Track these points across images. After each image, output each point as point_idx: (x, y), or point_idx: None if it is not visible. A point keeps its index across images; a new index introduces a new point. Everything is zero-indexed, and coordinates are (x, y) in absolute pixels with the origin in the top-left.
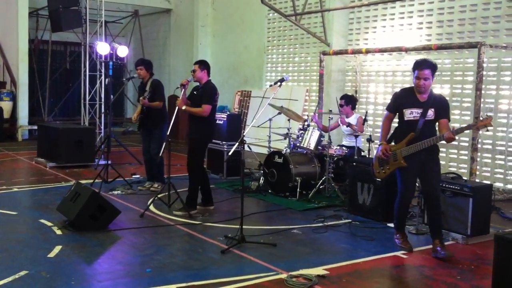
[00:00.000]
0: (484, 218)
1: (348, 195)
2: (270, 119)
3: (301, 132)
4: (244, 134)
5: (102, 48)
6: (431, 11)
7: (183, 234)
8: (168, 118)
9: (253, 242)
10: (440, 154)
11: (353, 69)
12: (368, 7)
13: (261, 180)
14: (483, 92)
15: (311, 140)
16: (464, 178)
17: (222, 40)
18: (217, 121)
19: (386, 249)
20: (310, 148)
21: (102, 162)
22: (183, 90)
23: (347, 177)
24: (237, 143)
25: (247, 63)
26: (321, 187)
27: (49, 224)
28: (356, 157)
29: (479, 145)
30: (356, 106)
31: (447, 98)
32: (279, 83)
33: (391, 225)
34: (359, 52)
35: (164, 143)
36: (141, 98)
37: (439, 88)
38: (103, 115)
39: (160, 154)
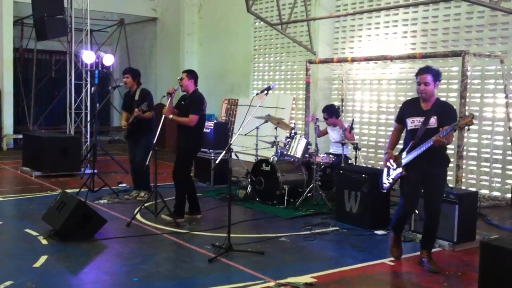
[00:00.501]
0: (470, 225)
1: (335, 202)
2: (257, 127)
3: (288, 140)
4: (231, 142)
5: (88, 56)
6: (415, 20)
7: (170, 243)
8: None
9: (240, 250)
10: None
11: (339, 77)
12: (353, 16)
13: (248, 188)
14: (467, 100)
15: (298, 148)
16: (450, 185)
17: (209, 48)
18: (204, 130)
19: (373, 256)
20: (297, 156)
21: (88, 171)
22: (169, 98)
23: (334, 185)
24: (224, 151)
25: (234, 71)
26: (308, 195)
27: (35, 233)
28: (343, 165)
29: (464, 153)
30: (340, 113)
31: None
32: (265, 92)
33: (378, 232)
34: (344, 60)
35: (151, 152)
36: (136, 109)
37: None
38: (89, 124)
39: (147, 163)
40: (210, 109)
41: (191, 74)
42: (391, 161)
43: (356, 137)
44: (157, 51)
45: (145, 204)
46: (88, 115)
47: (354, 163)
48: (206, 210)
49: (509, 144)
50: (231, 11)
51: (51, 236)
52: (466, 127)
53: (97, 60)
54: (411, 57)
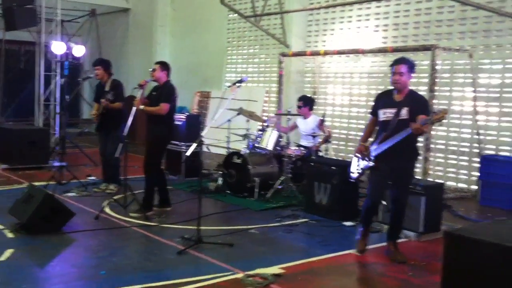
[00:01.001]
0: (436, 216)
1: (305, 194)
2: (229, 120)
3: (259, 132)
4: (203, 134)
5: (58, 47)
6: (387, 14)
7: (139, 236)
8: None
9: (210, 242)
10: None
11: (311, 70)
12: (326, 10)
13: (219, 181)
14: (436, 93)
15: (269, 140)
16: (418, 177)
17: (181, 40)
18: (176, 122)
19: (341, 247)
20: (268, 148)
21: (56, 163)
22: (141, 90)
23: (305, 177)
24: (195, 144)
25: (207, 63)
26: (279, 187)
27: (1, 227)
28: (313, 157)
29: (432, 145)
30: (314, 107)
31: None
32: (237, 84)
33: (347, 223)
34: (317, 53)
35: (120, 144)
36: (102, 100)
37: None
38: (58, 116)
39: (116, 155)
40: (182, 101)
41: (164, 66)
42: (362, 151)
43: (328, 130)
44: (129, 43)
45: (114, 197)
46: (57, 107)
47: (324, 155)
48: (177, 202)
49: (476, 137)
50: (204, 3)
51: (18, 230)
52: (439, 122)
53: (67, 51)
54: (382, 51)
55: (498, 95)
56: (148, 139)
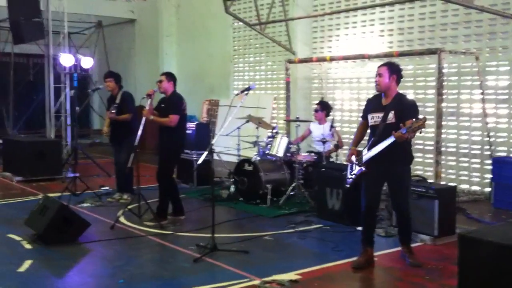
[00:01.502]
0: (449, 219)
1: (317, 200)
2: (238, 128)
3: (269, 139)
4: (213, 143)
5: (66, 59)
6: (392, 19)
7: (154, 245)
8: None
9: (225, 250)
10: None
11: (318, 76)
12: (330, 16)
13: (231, 188)
14: (444, 96)
15: (279, 147)
16: (430, 180)
17: (187, 50)
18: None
19: (355, 252)
20: (278, 155)
21: (69, 174)
22: (149, 100)
23: (316, 183)
24: (206, 152)
25: (213, 72)
26: (291, 193)
27: (18, 238)
28: (324, 163)
29: (443, 148)
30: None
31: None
32: (245, 92)
33: (360, 228)
34: (323, 60)
35: (132, 154)
36: (107, 112)
37: None
38: (69, 127)
39: (128, 165)
40: (190, 110)
41: (170, 76)
42: (353, 157)
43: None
44: (135, 53)
45: (129, 207)
46: (68, 118)
47: (335, 161)
48: (190, 211)
49: (487, 139)
50: (209, 12)
51: (35, 241)
52: (419, 131)
53: (75, 63)
54: (388, 55)
55: (506, 96)
56: (160, 149)
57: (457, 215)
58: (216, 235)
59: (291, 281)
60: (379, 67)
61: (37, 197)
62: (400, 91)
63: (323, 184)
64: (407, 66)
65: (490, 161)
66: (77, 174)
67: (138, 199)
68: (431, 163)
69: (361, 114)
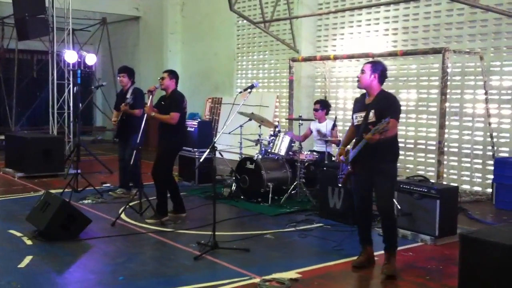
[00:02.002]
0: (451, 219)
1: (319, 199)
2: (241, 126)
3: (272, 138)
4: (215, 140)
5: (70, 56)
6: (396, 18)
7: (155, 242)
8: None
9: (226, 248)
10: (408, 158)
11: (322, 75)
12: (335, 14)
13: (233, 187)
14: (448, 96)
15: (282, 146)
16: (432, 181)
17: (192, 47)
18: (188, 128)
19: (356, 251)
20: (281, 153)
21: (71, 171)
22: (150, 96)
23: (318, 182)
24: (208, 150)
25: (217, 70)
26: (292, 192)
27: (19, 234)
28: (326, 162)
29: (445, 149)
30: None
31: (413, 103)
32: (248, 90)
33: None
34: (327, 58)
35: (135, 151)
36: (123, 104)
37: (405, 93)
38: (71, 124)
39: (131, 162)
40: (194, 108)
41: (172, 74)
42: (342, 157)
43: (339, 134)
44: (140, 50)
45: (130, 204)
46: (71, 115)
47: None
48: (191, 208)
49: (489, 139)
50: (214, 10)
51: (36, 237)
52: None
53: (79, 60)
54: (393, 54)
55: (510, 97)
56: (160, 146)
57: (459, 215)
58: (217, 233)
59: (291, 279)
60: (364, 64)
61: (39, 194)
62: (403, 91)
63: (325, 183)
64: (411, 65)
65: (492, 162)
66: (79, 171)
67: (140, 196)
68: (433, 163)
69: None
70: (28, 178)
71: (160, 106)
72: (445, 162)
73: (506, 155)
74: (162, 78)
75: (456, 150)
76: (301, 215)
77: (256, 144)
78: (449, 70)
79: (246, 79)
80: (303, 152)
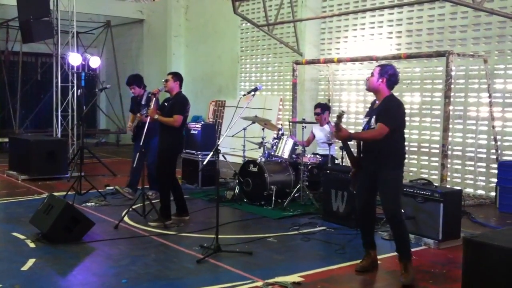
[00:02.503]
0: (455, 223)
1: (322, 202)
2: (244, 129)
3: (275, 141)
4: (219, 143)
5: (74, 59)
6: (400, 21)
7: (158, 245)
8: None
9: (228, 251)
10: (412, 161)
11: (325, 78)
12: (339, 17)
13: (236, 189)
14: (452, 99)
15: (285, 148)
16: (435, 184)
17: (196, 50)
18: (192, 131)
19: (359, 255)
20: (284, 156)
21: (75, 174)
22: (154, 99)
23: (321, 185)
24: (212, 153)
25: (221, 72)
26: (296, 195)
27: (22, 237)
28: (329, 165)
29: (449, 152)
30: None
31: (417, 106)
32: (252, 93)
33: None
34: (331, 61)
35: (138, 154)
36: (138, 114)
37: (409, 96)
38: (75, 127)
39: (134, 165)
40: (197, 110)
41: (177, 76)
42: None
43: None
44: (143, 53)
45: (133, 207)
46: (75, 117)
47: (341, 163)
48: (194, 211)
49: (493, 143)
50: (217, 12)
51: (39, 239)
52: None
53: (83, 62)
54: (396, 57)
55: None
56: (160, 149)
57: (462, 219)
58: (220, 236)
59: (294, 283)
60: (375, 66)
61: (42, 196)
62: (407, 94)
63: (328, 186)
64: (414, 68)
65: (496, 165)
66: (83, 174)
67: (143, 199)
68: (436, 167)
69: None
70: (31, 180)
71: (164, 108)
72: (448, 166)
73: (510, 158)
74: (166, 80)
75: (460, 153)
76: (304, 218)
77: (260, 147)
78: (453, 73)
79: (249, 82)
80: (306, 155)
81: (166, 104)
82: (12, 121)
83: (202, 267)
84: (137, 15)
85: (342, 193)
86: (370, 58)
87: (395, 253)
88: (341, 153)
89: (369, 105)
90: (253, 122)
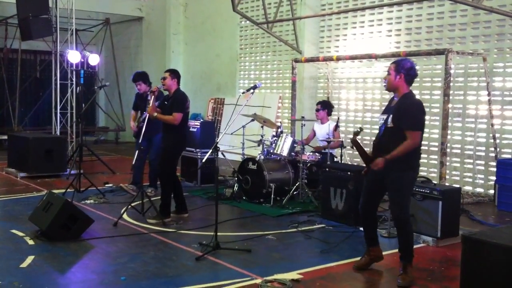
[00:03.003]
0: (453, 220)
1: (321, 200)
2: (243, 126)
3: (274, 138)
4: (218, 141)
5: (73, 56)
6: (399, 19)
7: (157, 242)
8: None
9: (227, 248)
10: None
11: (324, 76)
12: (338, 15)
13: (235, 187)
14: (451, 97)
15: (284, 146)
16: (434, 182)
17: (195, 48)
18: (191, 129)
19: (358, 253)
20: (283, 154)
21: (74, 171)
22: (152, 97)
23: (320, 183)
24: (211, 150)
25: (220, 70)
26: (294, 193)
27: (21, 234)
28: (328, 162)
29: (448, 150)
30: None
31: None
32: (251, 90)
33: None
34: (330, 59)
35: (137, 151)
36: (145, 112)
37: None
38: (74, 124)
39: (133, 163)
40: (196, 108)
41: (174, 74)
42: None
43: (342, 135)
44: (142, 51)
45: (132, 204)
46: (74, 115)
47: (340, 161)
48: (193, 209)
49: (492, 141)
50: (216, 10)
51: (38, 237)
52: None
53: (82, 60)
54: (396, 55)
55: None
56: (162, 146)
57: (461, 216)
58: (219, 233)
59: (293, 280)
60: (390, 64)
61: (41, 194)
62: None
63: (327, 184)
64: None
65: (495, 163)
66: (81, 171)
67: (142, 196)
68: (435, 164)
69: (366, 114)
70: (30, 178)
71: (163, 106)
72: (447, 163)
73: (508, 156)
74: (164, 78)
75: (458, 151)
76: (303, 216)
77: (259, 145)
78: (452, 71)
79: (248, 79)
80: (305, 153)
81: (166, 102)
82: (11, 118)
83: (201, 264)
84: (136, 12)
85: (341, 191)
86: (369, 56)
87: (395, 251)
88: (340, 151)
89: (367, 103)
90: (252, 120)
